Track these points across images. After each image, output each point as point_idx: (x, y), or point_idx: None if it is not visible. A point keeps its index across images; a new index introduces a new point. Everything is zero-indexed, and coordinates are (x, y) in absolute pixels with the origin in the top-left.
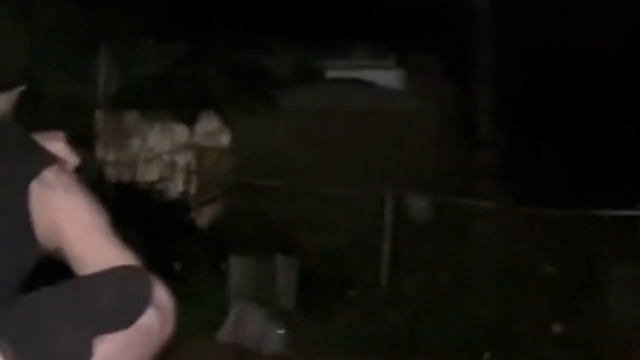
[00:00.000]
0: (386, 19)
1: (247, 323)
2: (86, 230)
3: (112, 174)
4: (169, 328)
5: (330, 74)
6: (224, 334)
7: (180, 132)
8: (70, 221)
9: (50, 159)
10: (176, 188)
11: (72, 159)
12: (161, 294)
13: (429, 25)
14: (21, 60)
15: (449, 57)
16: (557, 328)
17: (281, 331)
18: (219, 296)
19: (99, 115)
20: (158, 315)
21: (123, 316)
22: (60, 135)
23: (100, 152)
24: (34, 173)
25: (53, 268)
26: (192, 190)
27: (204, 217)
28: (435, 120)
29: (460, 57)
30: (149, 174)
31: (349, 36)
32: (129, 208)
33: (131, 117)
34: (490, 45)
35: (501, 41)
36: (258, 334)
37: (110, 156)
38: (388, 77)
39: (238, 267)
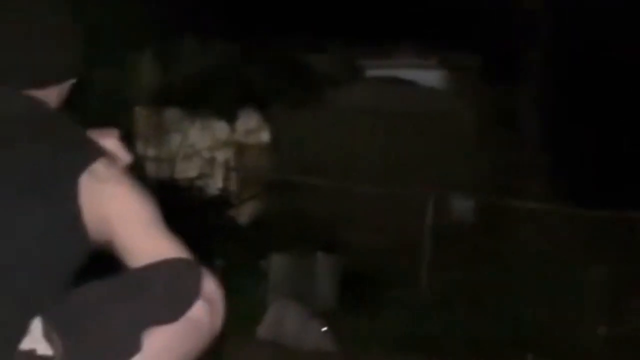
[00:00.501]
0: (429, 19)
1: (286, 320)
2: (137, 223)
3: (152, 170)
4: (218, 321)
5: (372, 72)
6: (263, 330)
7: (221, 129)
8: (121, 214)
9: (100, 152)
10: (216, 185)
11: (124, 157)
12: (210, 286)
13: (472, 25)
14: (75, 55)
15: (491, 58)
16: (602, 330)
17: (325, 329)
18: (259, 293)
19: (139, 111)
20: (207, 308)
21: (172, 309)
22: (115, 132)
23: (140, 148)
24: (83, 166)
25: (104, 262)
26: (232, 187)
27: (244, 214)
28: (477, 120)
29: (504, 57)
30: (189, 170)
31: (391, 35)
32: (168, 204)
33: (172, 114)
34: (535, 45)
35: (547, 41)
36: (297, 331)
37: (151, 152)
38: (430, 77)
39: (278, 265)
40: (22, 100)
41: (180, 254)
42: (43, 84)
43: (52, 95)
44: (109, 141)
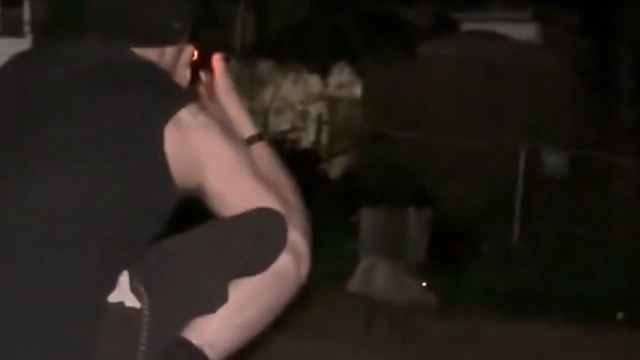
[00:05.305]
0: None
1: (377, 274)
2: (225, 169)
3: None
4: (304, 271)
5: (466, 26)
6: (354, 284)
7: (313, 82)
8: (209, 161)
9: (188, 99)
10: (308, 138)
11: (221, 77)
12: (296, 237)
13: None
14: (177, 23)
15: (587, 11)
16: None
17: (424, 284)
18: (349, 247)
19: (233, 64)
20: (293, 258)
21: (258, 260)
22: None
23: None
24: (169, 114)
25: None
26: (324, 140)
27: (335, 167)
28: (571, 75)
29: (599, 10)
30: (282, 123)
31: None
32: None
33: (265, 67)
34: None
35: None
36: (388, 285)
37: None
38: (524, 31)
39: (369, 219)
40: (116, 51)
41: (269, 201)
42: (141, 43)
43: (153, 55)
44: (216, 57)
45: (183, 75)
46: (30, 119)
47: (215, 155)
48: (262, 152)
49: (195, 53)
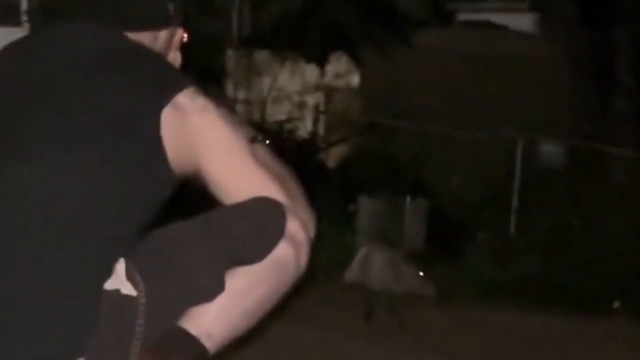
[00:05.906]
0: None
1: (375, 263)
2: (224, 154)
3: (242, 112)
4: (303, 261)
5: (463, 16)
6: (351, 273)
7: (310, 72)
8: (207, 145)
9: (185, 83)
10: (305, 128)
11: None
12: (295, 227)
13: None
14: (168, 6)
15: (585, 2)
16: None
17: (421, 273)
18: (347, 236)
19: (230, 53)
20: (292, 248)
21: (256, 249)
22: None
23: (230, 91)
24: (166, 98)
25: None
26: (321, 130)
27: (333, 157)
28: (569, 65)
29: (598, 2)
30: (278, 113)
31: None
32: None
33: (262, 57)
34: None
35: None
36: (386, 274)
37: (241, 95)
38: (522, 21)
39: (367, 208)
40: (112, 37)
41: (268, 187)
42: (136, 28)
43: (146, 39)
44: None
45: (175, 58)
46: (27, 113)
47: (213, 138)
48: (260, 149)
49: (186, 36)
